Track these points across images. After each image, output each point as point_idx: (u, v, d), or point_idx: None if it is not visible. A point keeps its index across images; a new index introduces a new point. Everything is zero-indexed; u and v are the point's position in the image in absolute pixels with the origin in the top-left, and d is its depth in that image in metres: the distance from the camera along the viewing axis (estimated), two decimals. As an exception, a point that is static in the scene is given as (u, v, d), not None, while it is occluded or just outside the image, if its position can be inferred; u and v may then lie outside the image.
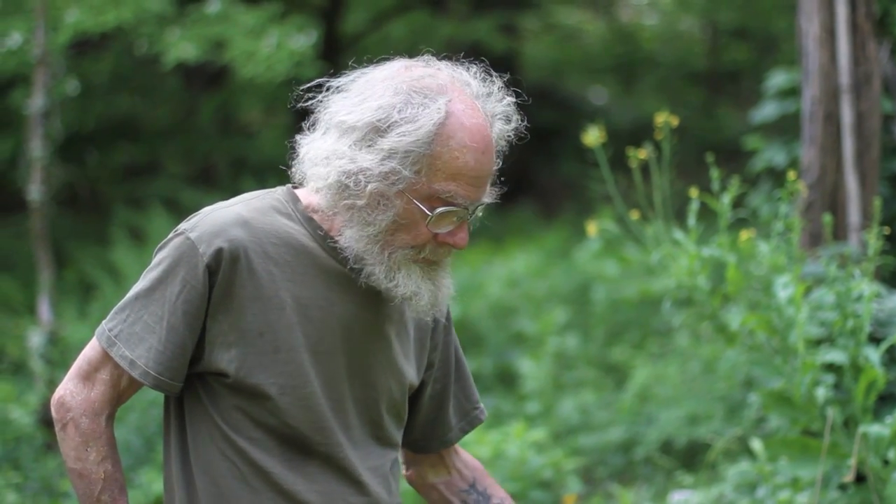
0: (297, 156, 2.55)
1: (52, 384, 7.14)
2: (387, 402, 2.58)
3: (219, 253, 2.43)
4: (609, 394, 10.09)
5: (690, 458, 8.40)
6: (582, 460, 8.46)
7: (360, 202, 2.46)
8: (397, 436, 2.66)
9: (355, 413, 2.52)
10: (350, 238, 2.49)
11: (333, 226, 2.53)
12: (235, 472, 2.45)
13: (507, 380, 10.44)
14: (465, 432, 2.84)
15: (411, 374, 2.64)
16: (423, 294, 2.48)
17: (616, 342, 11.07)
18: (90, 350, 2.50)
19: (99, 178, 14.36)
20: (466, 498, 2.80)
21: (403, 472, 2.87)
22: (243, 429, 2.46)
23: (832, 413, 4.96)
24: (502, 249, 13.25)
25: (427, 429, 2.80)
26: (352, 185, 2.44)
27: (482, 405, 2.89)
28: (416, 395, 2.76)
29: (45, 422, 6.64)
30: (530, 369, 9.44)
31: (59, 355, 7.69)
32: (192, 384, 2.51)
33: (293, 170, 2.58)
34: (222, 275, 2.44)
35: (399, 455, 2.72)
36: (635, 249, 9.77)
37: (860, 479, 5.03)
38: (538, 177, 16.25)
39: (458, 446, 2.87)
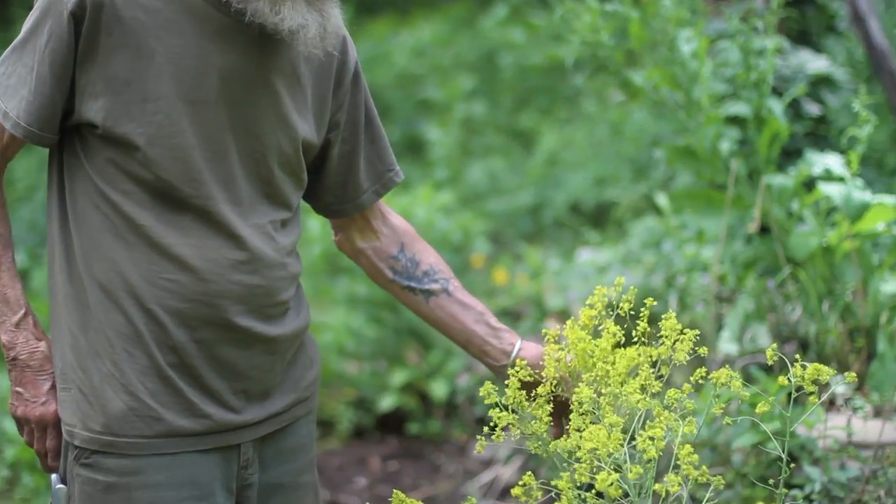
0: None
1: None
2: (277, 157, 2.51)
3: (83, 0, 2.34)
4: (517, 159, 10.13)
5: (598, 219, 8.49)
6: (491, 224, 8.51)
7: None
8: (293, 196, 2.58)
9: (241, 167, 2.45)
10: None
11: None
12: (109, 225, 2.40)
13: (415, 148, 10.42)
14: (380, 195, 2.77)
15: (306, 130, 2.55)
16: (310, 26, 2.40)
17: (524, 108, 11.05)
18: None
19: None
20: (394, 264, 2.77)
21: (333, 237, 2.83)
22: (116, 182, 2.39)
23: (736, 165, 5.00)
24: (408, 20, 13.09)
25: (338, 191, 2.74)
26: None
27: (398, 168, 2.82)
28: (323, 157, 2.69)
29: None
30: (438, 136, 9.43)
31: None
32: (69, 139, 2.44)
33: None
34: (88, 23, 2.34)
35: (295, 216, 2.66)
36: (542, 16, 9.66)
37: (764, 230, 5.10)
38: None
39: (389, 210, 2.82)
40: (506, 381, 2.52)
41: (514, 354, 2.69)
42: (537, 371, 2.53)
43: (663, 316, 2.56)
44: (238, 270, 2.45)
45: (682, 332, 2.45)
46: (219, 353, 2.46)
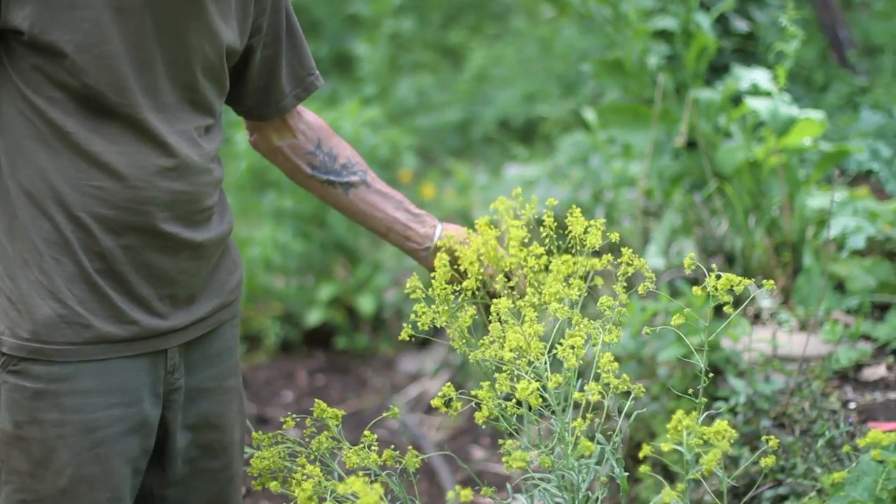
0: None
1: None
2: (202, 64, 2.49)
3: None
4: (446, 75, 10.08)
5: (526, 135, 8.47)
6: (419, 139, 8.47)
7: None
8: (216, 102, 2.58)
9: (166, 75, 2.43)
10: None
11: None
12: (35, 132, 2.37)
13: (343, 64, 10.34)
14: (301, 99, 2.79)
15: (230, 36, 2.54)
16: None
17: (453, 25, 10.99)
18: None
19: None
20: (312, 160, 2.80)
21: (248, 138, 2.84)
22: (42, 88, 2.36)
23: (663, 79, 4.99)
24: (334, -64, 12.92)
25: (260, 96, 2.74)
26: None
27: (318, 72, 2.83)
28: (245, 62, 2.68)
29: None
30: (366, 52, 9.33)
31: None
32: None
33: None
34: None
35: (218, 122, 2.65)
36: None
37: (691, 144, 5.10)
38: None
39: (303, 108, 2.84)
40: (431, 274, 2.55)
41: (435, 236, 2.74)
42: (461, 244, 2.62)
43: (589, 225, 2.55)
44: (165, 177, 2.43)
45: (616, 247, 2.45)
46: (146, 259, 2.45)
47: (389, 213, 2.77)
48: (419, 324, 2.49)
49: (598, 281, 2.56)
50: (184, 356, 2.58)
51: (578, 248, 2.54)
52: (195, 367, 2.61)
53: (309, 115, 2.83)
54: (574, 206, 2.60)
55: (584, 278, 2.55)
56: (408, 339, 2.50)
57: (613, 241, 2.50)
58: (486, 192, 6.73)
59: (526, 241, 2.58)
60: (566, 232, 2.56)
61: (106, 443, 2.43)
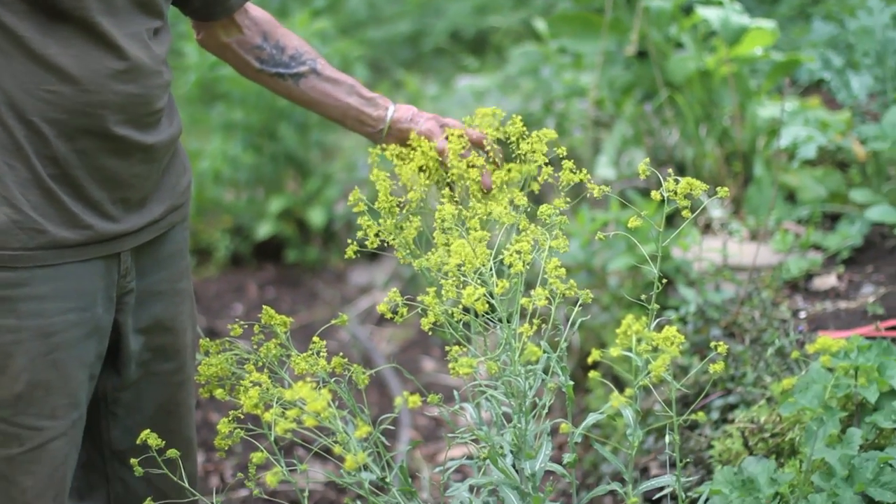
0: None
1: None
2: (149, -34, 2.46)
3: None
4: (398, -14, 9.98)
5: (478, 46, 8.42)
6: (370, 51, 8.40)
7: None
8: (164, 4, 2.56)
9: (115, -21, 2.40)
10: None
11: None
12: (-13, 38, 2.34)
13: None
14: None
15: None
16: None
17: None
18: None
19: None
20: (260, 54, 2.79)
21: (196, 36, 2.83)
22: (-7, -6, 2.33)
23: (616, -12, 4.95)
24: None
25: None
26: None
27: None
28: None
29: None
30: (316, -38, 9.21)
31: None
32: None
33: None
34: None
35: (166, 24, 2.61)
36: None
37: (642, 54, 5.07)
38: None
39: (249, 5, 2.82)
40: (383, 148, 2.62)
41: (389, 117, 2.74)
42: (412, 125, 2.67)
43: (535, 133, 2.53)
44: (118, 80, 2.41)
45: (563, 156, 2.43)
46: (99, 163, 2.44)
47: (343, 100, 2.77)
48: (367, 243, 2.47)
49: (535, 187, 2.55)
50: (136, 259, 2.58)
51: (521, 157, 2.52)
52: (147, 270, 2.62)
53: (255, 10, 2.81)
54: (515, 116, 2.58)
55: (523, 188, 2.54)
56: (353, 255, 2.49)
57: (560, 153, 2.48)
58: (437, 104, 6.68)
59: (465, 151, 2.57)
60: (510, 142, 2.55)
61: (62, 348, 2.43)
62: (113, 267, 2.52)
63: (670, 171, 2.36)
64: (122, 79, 2.41)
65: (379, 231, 2.48)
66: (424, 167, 2.61)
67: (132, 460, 2.49)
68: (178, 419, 2.77)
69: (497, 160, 2.61)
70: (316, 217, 6.98)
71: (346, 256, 2.51)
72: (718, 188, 2.29)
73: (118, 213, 2.49)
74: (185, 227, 2.72)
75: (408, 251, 2.49)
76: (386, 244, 2.50)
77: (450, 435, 2.47)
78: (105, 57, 2.39)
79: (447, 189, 2.60)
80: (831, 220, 4.44)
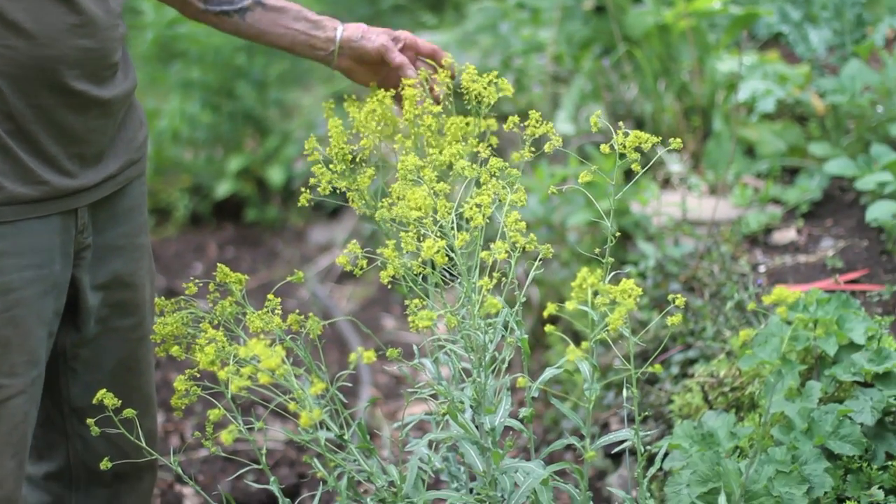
0: None
1: None
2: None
3: None
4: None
5: (436, 2, 8.37)
6: (326, 7, 8.33)
7: None
8: None
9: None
10: None
11: None
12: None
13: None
14: None
15: None
16: None
17: None
18: None
19: None
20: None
21: None
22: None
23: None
24: None
25: None
26: None
27: None
28: None
29: None
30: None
31: None
32: None
33: None
34: None
35: None
36: None
37: (600, 9, 5.06)
38: None
39: None
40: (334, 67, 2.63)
41: (338, 37, 2.72)
42: (364, 42, 2.68)
43: (489, 82, 2.52)
44: (74, 34, 2.39)
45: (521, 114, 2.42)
46: (56, 118, 2.42)
47: (291, 27, 2.72)
48: (319, 189, 2.46)
49: (494, 140, 2.53)
50: (93, 215, 2.57)
51: (475, 107, 2.51)
52: (104, 226, 2.61)
53: None
54: (469, 64, 2.56)
55: (480, 139, 2.52)
56: (306, 203, 2.47)
57: (516, 103, 2.46)
58: (396, 60, 6.63)
59: (420, 99, 2.56)
60: (464, 92, 2.54)
61: (21, 305, 2.42)
62: (70, 223, 2.50)
63: (621, 124, 2.35)
64: (78, 33, 2.39)
65: (332, 178, 2.46)
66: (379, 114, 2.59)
67: (89, 420, 2.48)
68: (138, 375, 2.76)
69: (449, 85, 2.60)
70: (275, 176, 6.95)
71: (299, 205, 2.50)
72: (672, 140, 2.28)
73: (75, 169, 2.48)
74: (142, 182, 2.71)
75: (363, 202, 2.48)
76: (339, 192, 2.48)
77: (409, 391, 2.46)
78: (60, 11, 2.36)
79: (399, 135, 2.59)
80: (790, 174, 4.44)
